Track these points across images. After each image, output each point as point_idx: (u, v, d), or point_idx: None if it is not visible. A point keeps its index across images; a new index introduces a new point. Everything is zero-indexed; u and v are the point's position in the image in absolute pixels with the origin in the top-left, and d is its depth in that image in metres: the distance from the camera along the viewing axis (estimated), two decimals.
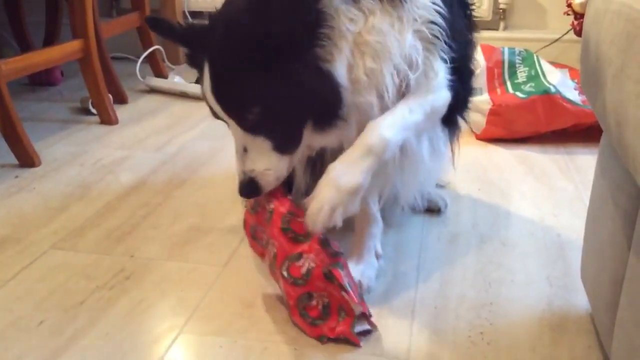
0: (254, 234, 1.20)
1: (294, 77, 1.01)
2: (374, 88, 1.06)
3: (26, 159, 1.84)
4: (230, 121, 1.08)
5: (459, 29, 1.15)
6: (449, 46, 1.10)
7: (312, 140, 1.11)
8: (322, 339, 1.08)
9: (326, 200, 1.02)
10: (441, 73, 1.12)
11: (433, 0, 1.07)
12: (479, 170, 1.83)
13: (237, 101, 1.06)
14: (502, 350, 1.07)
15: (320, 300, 1.10)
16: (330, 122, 1.07)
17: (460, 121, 1.34)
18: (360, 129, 1.08)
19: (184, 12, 3.05)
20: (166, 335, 1.10)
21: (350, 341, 1.07)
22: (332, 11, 1.01)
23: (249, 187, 1.10)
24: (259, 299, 1.21)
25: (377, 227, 1.29)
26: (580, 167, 1.85)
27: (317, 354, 1.06)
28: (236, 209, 1.56)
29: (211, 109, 1.10)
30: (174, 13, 2.99)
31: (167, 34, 1.17)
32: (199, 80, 1.11)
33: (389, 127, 1.06)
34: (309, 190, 1.13)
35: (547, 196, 1.67)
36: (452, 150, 1.41)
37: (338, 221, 1.04)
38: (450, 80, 1.14)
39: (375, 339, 1.09)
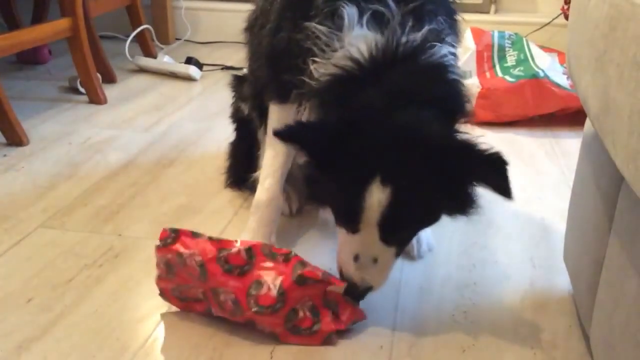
0: (181, 296, 1.09)
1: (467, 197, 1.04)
2: None
3: (14, 138, 1.83)
4: (370, 233, 0.99)
5: None
6: None
7: None
8: (330, 338, 1.03)
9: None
10: None
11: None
12: None
13: (409, 221, 1.02)
14: (484, 329, 1.09)
15: (305, 308, 1.03)
16: None
17: None
18: None
19: None
20: (154, 313, 1.11)
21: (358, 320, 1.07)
22: None
23: (365, 294, 1.06)
24: None
25: None
26: (566, 151, 1.87)
27: None
28: (224, 190, 1.57)
29: (353, 216, 0.99)
30: None
31: (315, 143, 0.98)
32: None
33: None
34: None
35: (533, 179, 1.69)
36: None
37: None
38: None
39: None
